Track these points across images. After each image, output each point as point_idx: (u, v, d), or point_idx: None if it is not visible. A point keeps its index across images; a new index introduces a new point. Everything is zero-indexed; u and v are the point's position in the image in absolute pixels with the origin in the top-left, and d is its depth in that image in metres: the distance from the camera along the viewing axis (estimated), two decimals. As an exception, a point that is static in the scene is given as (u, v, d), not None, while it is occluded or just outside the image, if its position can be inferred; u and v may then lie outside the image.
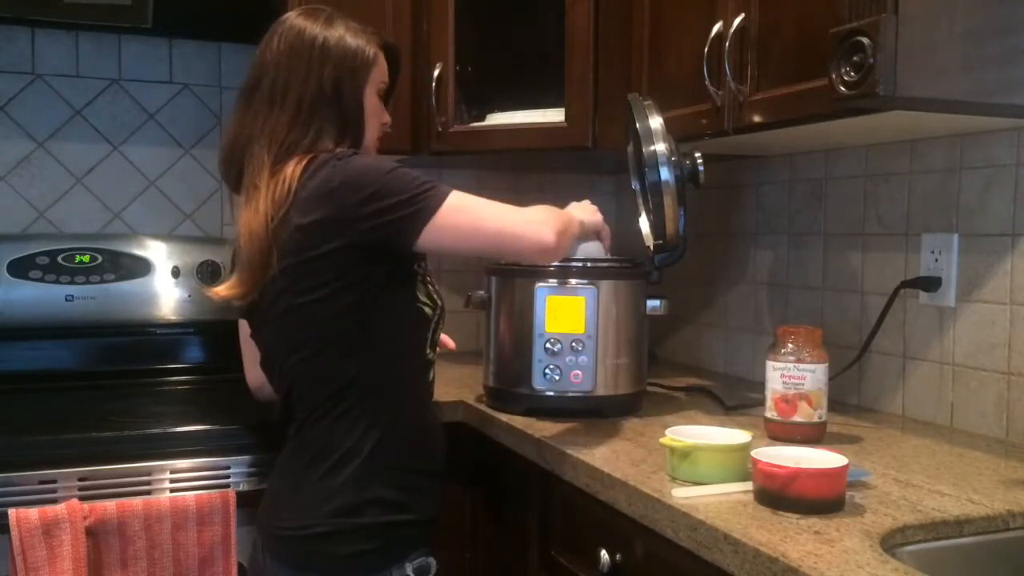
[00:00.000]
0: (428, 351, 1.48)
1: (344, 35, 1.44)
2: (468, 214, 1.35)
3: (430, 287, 1.48)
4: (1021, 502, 1.17)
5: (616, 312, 1.68)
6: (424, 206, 1.32)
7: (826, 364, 1.50)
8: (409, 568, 1.38)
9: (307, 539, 1.36)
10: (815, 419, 1.48)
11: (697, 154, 1.64)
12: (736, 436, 1.29)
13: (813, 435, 1.47)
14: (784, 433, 1.47)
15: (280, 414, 1.48)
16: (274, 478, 1.47)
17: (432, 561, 1.41)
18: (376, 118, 1.50)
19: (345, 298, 1.35)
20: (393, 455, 1.38)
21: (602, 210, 1.71)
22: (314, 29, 1.43)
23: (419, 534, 1.41)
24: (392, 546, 1.38)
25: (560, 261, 1.67)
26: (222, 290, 1.44)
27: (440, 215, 1.32)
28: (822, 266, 1.94)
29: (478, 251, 1.46)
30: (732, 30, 1.60)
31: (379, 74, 1.49)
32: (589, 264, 1.68)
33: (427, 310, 1.45)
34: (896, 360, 1.75)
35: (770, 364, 1.51)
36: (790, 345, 1.50)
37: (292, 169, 1.35)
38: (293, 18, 1.46)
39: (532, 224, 1.38)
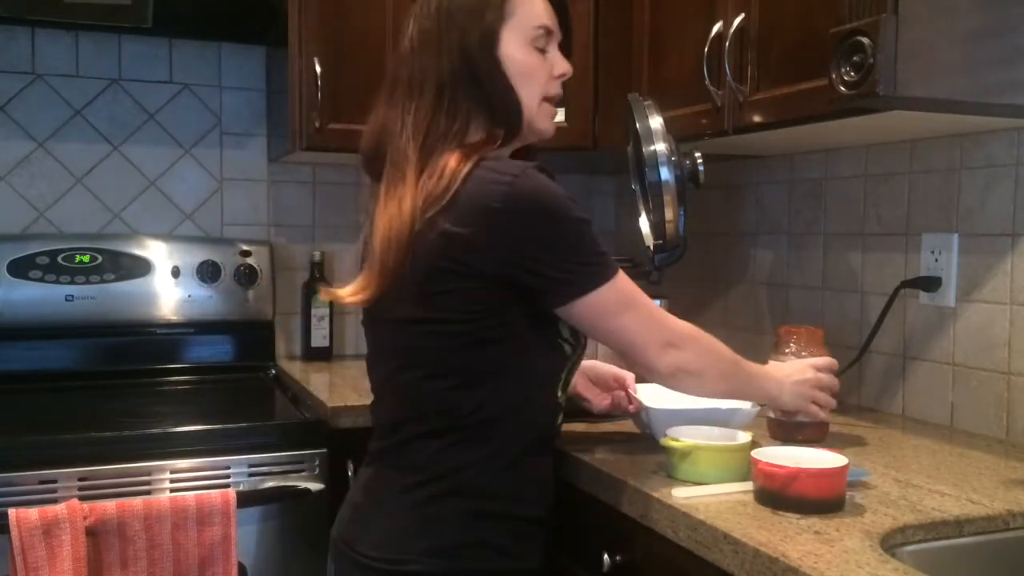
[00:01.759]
0: (559, 393, 1.28)
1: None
2: (621, 309, 1.20)
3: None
4: (1021, 502, 1.17)
5: (616, 312, 1.67)
6: (580, 283, 1.16)
7: None
8: None
9: (395, 574, 1.20)
10: (818, 419, 1.47)
11: (697, 154, 1.63)
12: (736, 436, 1.29)
13: (815, 436, 1.46)
14: (786, 433, 1.47)
15: (378, 424, 1.31)
16: (359, 493, 1.29)
17: None
18: (534, 77, 1.23)
19: (479, 324, 1.18)
20: (505, 497, 1.23)
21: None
22: (436, 5, 1.23)
23: None
24: None
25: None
26: (347, 295, 1.24)
27: (589, 300, 1.17)
28: (822, 266, 1.94)
29: (607, 345, 1.30)
30: (732, 30, 1.60)
31: (523, 20, 1.22)
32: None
33: (567, 348, 1.26)
34: (896, 360, 1.75)
35: (772, 364, 1.50)
36: (792, 345, 1.49)
37: (455, 165, 1.16)
38: None
39: (671, 346, 1.23)
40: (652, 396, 1.48)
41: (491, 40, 1.21)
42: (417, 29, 1.24)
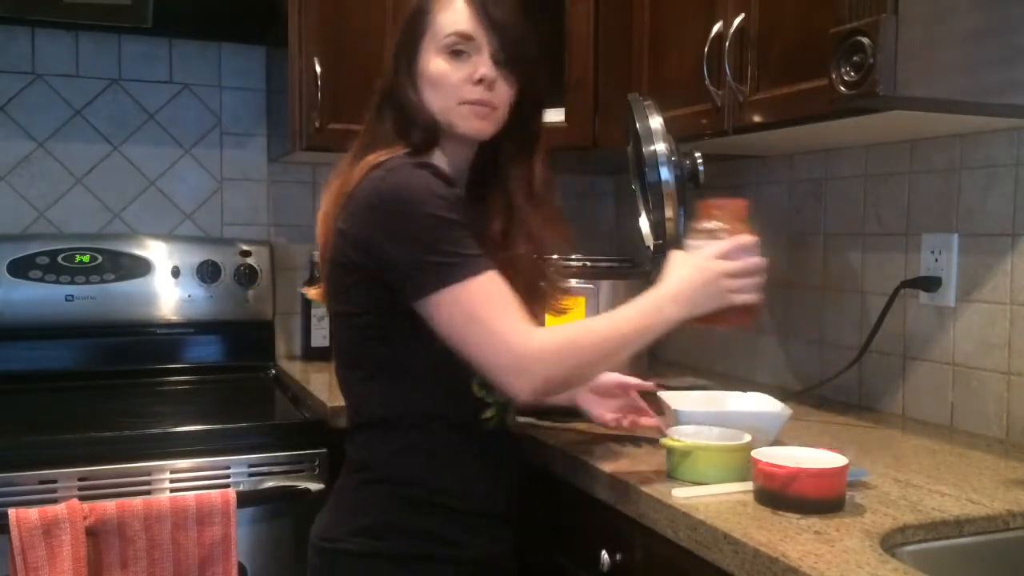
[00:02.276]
0: (476, 389, 1.28)
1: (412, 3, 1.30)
2: (463, 320, 1.14)
3: None
4: (1021, 502, 1.17)
5: (616, 312, 1.67)
6: (424, 281, 1.15)
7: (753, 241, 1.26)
8: None
9: (331, 553, 1.27)
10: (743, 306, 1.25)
11: (697, 154, 1.63)
12: (736, 436, 1.29)
13: (741, 319, 1.25)
14: (707, 323, 1.25)
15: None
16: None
17: None
18: (445, 83, 1.25)
19: (375, 318, 1.23)
20: (433, 488, 1.26)
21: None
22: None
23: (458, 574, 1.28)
24: None
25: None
26: (313, 292, 1.41)
27: (432, 301, 1.15)
28: (822, 266, 1.94)
29: (465, 350, 1.17)
30: (732, 30, 1.60)
31: (438, 29, 1.26)
32: (589, 264, 1.68)
33: None
34: (896, 360, 1.75)
35: (688, 243, 1.29)
36: (709, 221, 1.27)
37: (359, 170, 1.23)
38: None
39: (517, 372, 1.14)
40: (679, 400, 1.47)
41: (409, 54, 1.27)
42: None
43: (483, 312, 1.14)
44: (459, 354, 1.17)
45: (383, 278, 1.19)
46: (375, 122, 1.30)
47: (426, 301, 1.15)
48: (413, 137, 1.26)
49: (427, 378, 1.26)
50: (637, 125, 1.60)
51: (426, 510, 1.25)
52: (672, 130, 1.60)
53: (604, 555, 1.35)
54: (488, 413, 1.31)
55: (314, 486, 1.68)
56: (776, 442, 1.39)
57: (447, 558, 1.26)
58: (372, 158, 1.23)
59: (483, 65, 1.25)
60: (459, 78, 1.25)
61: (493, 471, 1.33)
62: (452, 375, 1.24)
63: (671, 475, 1.27)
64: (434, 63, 1.26)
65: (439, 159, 1.28)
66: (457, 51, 1.25)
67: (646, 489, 1.22)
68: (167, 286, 2.25)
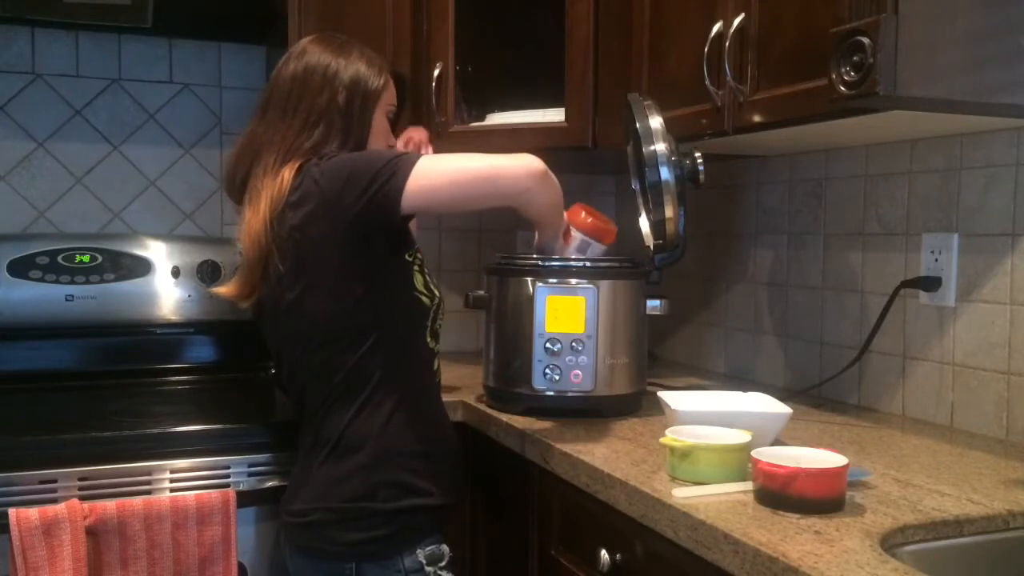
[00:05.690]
0: (429, 340, 1.52)
1: (357, 62, 1.50)
2: (445, 166, 1.37)
3: (427, 278, 1.52)
4: (1021, 502, 1.17)
5: (616, 312, 1.68)
6: (399, 169, 1.34)
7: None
8: (421, 555, 1.40)
9: (316, 524, 1.41)
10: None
11: (697, 154, 1.63)
12: (736, 436, 1.29)
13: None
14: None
15: (293, 410, 1.55)
16: (293, 471, 1.54)
17: (445, 548, 1.44)
18: (382, 138, 1.55)
19: (341, 289, 1.39)
20: (401, 441, 1.42)
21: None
22: (327, 55, 1.49)
23: (431, 520, 1.44)
24: (403, 532, 1.40)
25: (561, 261, 1.67)
26: (223, 289, 1.50)
27: (417, 173, 1.34)
28: (822, 266, 1.94)
29: (466, 198, 1.42)
30: (732, 30, 1.60)
31: (388, 98, 1.54)
32: (589, 264, 1.69)
33: (425, 300, 1.50)
34: (896, 360, 1.75)
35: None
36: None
37: (288, 171, 1.41)
38: (308, 43, 1.52)
39: (512, 157, 1.41)
40: (679, 400, 1.49)
41: (372, 102, 1.50)
42: (302, 67, 1.49)
43: (457, 159, 1.40)
44: (467, 202, 1.45)
45: (362, 224, 1.35)
46: (308, 130, 1.45)
47: (411, 185, 1.33)
48: (348, 148, 1.47)
49: (399, 338, 1.44)
50: (637, 125, 1.60)
51: (405, 465, 1.42)
52: (672, 130, 1.61)
53: (604, 555, 1.35)
54: (436, 364, 1.56)
55: (314, 486, 1.67)
56: (776, 442, 1.39)
57: (422, 507, 1.42)
58: (290, 169, 1.40)
59: (394, 137, 1.61)
60: (387, 136, 1.57)
61: (448, 418, 1.57)
62: (415, 330, 1.48)
63: (671, 475, 1.27)
64: (384, 122, 1.55)
65: None
66: (389, 117, 1.56)
67: (646, 489, 1.22)
68: (167, 286, 2.24)
